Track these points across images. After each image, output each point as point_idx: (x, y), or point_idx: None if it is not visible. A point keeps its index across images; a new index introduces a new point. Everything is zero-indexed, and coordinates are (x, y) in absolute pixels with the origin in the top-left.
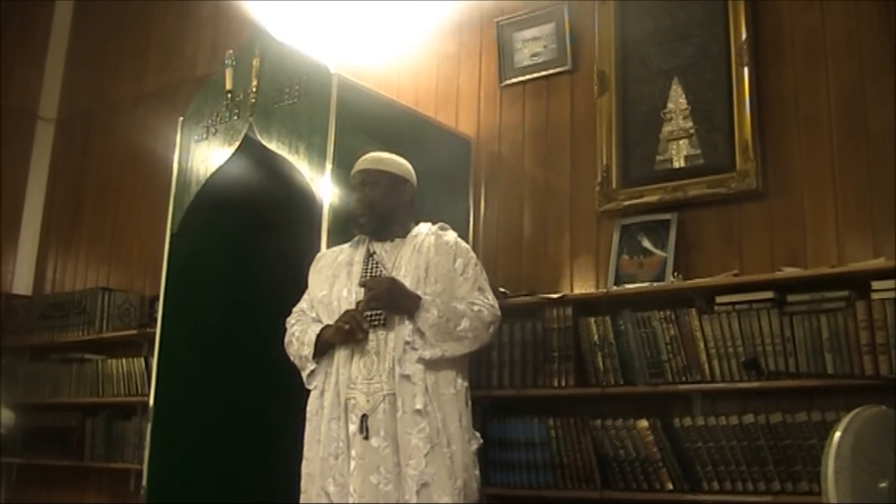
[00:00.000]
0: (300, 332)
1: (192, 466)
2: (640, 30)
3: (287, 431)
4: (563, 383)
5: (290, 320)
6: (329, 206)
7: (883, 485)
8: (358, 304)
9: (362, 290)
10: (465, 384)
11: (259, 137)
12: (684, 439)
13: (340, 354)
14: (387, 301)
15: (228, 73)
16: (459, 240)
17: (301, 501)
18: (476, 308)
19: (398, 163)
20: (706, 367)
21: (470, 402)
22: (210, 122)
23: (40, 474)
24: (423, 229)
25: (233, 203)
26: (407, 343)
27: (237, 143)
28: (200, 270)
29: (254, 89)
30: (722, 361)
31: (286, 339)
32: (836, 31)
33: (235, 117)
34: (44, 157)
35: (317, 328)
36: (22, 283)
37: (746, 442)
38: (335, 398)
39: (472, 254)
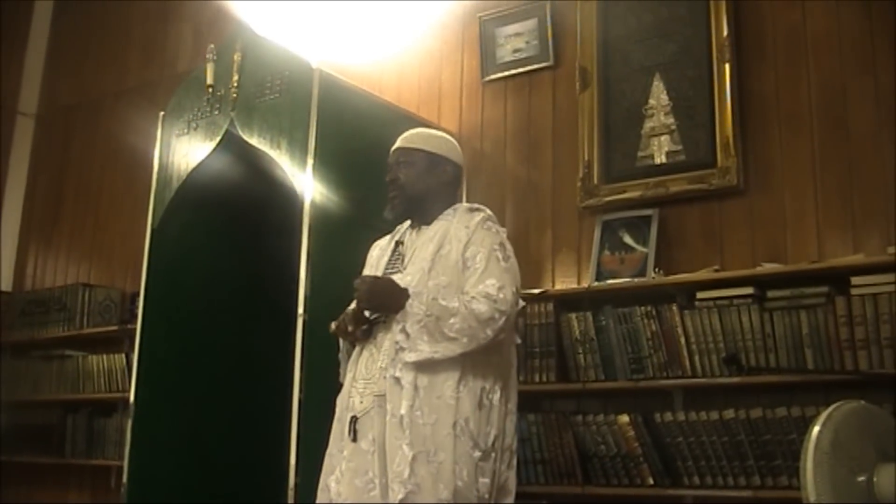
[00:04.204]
0: None
1: (172, 463)
2: (622, 26)
3: (268, 428)
4: (545, 379)
5: None
6: (311, 202)
7: (861, 479)
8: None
9: None
10: (482, 385)
11: (240, 133)
12: (665, 434)
13: (357, 350)
14: (368, 302)
15: (210, 67)
16: (484, 224)
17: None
18: (470, 303)
19: (436, 138)
20: (687, 362)
21: (490, 404)
22: (191, 117)
23: (21, 472)
24: (451, 213)
25: (214, 198)
26: (396, 343)
27: (218, 139)
28: (181, 266)
29: (235, 84)
30: (703, 357)
31: None
32: (817, 29)
33: (217, 112)
34: (24, 152)
35: None
36: (2, 279)
37: (727, 437)
38: (344, 395)
39: (495, 238)
